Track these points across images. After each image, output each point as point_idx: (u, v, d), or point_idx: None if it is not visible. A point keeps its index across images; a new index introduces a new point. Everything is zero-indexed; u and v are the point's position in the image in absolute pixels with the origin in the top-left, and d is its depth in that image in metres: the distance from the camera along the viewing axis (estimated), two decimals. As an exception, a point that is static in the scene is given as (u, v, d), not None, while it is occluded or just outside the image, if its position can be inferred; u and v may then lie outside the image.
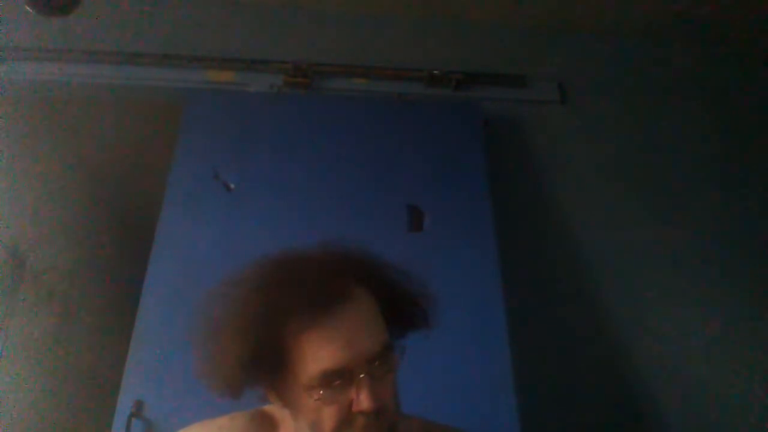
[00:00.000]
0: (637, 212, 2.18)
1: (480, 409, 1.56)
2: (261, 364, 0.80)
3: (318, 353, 0.78)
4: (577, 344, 1.97)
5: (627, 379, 1.97)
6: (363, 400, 0.77)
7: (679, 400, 1.94)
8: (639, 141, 2.31)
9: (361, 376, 0.78)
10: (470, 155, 2.01)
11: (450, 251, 1.81)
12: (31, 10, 1.53)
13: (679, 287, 2.08)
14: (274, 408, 0.92)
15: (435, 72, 2.22)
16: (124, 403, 1.54)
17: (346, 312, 0.80)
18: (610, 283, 2.06)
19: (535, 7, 2.33)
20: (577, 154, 2.25)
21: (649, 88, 2.39)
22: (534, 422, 1.64)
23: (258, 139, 1.98)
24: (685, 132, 2.34)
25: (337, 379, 0.78)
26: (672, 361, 1.99)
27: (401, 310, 0.88)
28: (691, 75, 2.45)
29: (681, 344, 2.01)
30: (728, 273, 2.12)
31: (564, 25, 2.41)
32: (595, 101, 2.34)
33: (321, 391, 0.78)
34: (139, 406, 1.54)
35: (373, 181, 1.93)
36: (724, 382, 1.97)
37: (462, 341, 1.60)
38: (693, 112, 2.38)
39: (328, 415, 0.78)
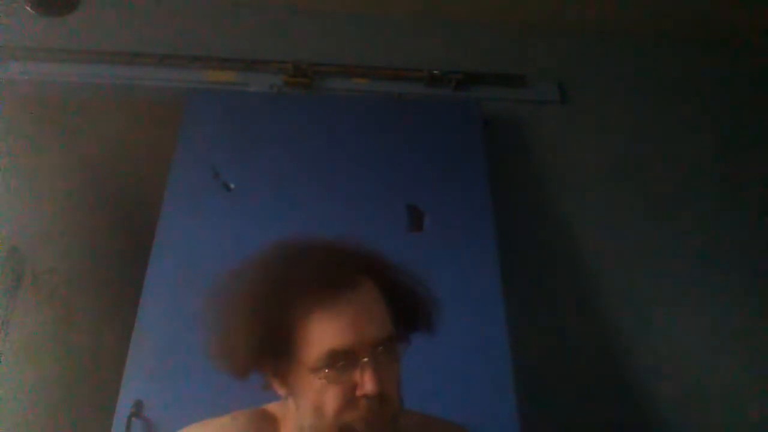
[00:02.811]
0: (637, 212, 2.18)
1: (480, 409, 1.56)
2: (268, 345, 0.82)
3: (324, 334, 0.80)
4: (576, 344, 1.97)
5: (627, 379, 1.97)
6: (367, 383, 0.78)
7: (678, 400, 1.94)
8: (639, 141, 2.31)
9: (365, 359, 0.79)
10: (470, 155, 2.01)
11: (450, 251, 1.81)
12: (31, 10, 1.53)
13: (679, 287, 2.08)
14: (275, 407, 0.93)
15: (435, 72, 2.22)
16: (124, 403, 1.54)
17: (353, 297, 0.82)
18: (610, 283, 2.06)
19: (535, 7, 2.33)
20: (576, 154, 2.25)
21: (649, 88, 2.39)
22: (534, 422, 1.64)
23: (258, 139, 1.98)
24: (685, 132, 2.34)
25: (341, 360, 0.79)
26: (672, 360, 1.99)
27: (405, 309, 0.88)
28: (691, 75, 2.45)
29: (681, 344, 2.01)
30: (728, 273, 2.12)
31: (564, 25, 2.41)
32: (595, 101, 2.34)
33: (326, 371, 0.79)
34: (139, 406, 1.54)
35: (373, 181, 1.93)
36: (723, 382, 1.97)
37: (462, 341, 1.60)
38: (693, 112, 2.38)
39: (332, 397, 0.79)
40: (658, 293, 2.07)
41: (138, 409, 1.53)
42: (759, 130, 2.39)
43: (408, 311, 0.88)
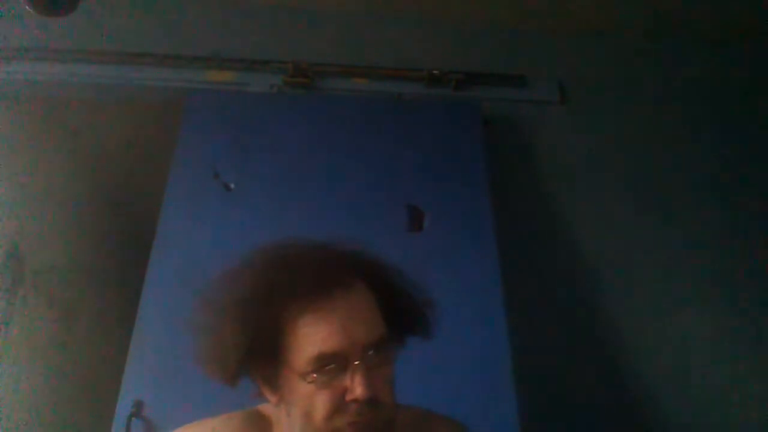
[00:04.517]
0: (636, 213, 2.18)
1: (480, 409, 1.55)
2: (257, 350, 0.80)
3: (313, 337, 0.78)
4: (576, 344, 1.98)
5: (626, 379, 1.97)
6: (356, 387, 0.76)
7: (678, 401, 1.94)
8: (639, 141, 2.31)
9: (356, 363, 0.77)
10: (470, 155, 2.01)
11: (450, 251, 1.81)
12: (31, 10, 1.53)
13: (678, 287, 2.09)
14: (269, 408, 0.92)
15: (435, 72, 2.22)
16: (124, 403, 1.54)
17: (344, 299, 0.80)
18: (610, 283, 2.07)
19: (535, 7, 2.33)
20: (576, 154, 2.25)
21: (649, 89, 2.39)
22: (534, 422, 1.64)
23: (258, 139, 1.98)
24: (685, 132, 2.34)
25: (331, 363, 0.77)
26: (671, 361, 1.99)
27: (402, 313, 0.87)
28: (691, 75, 2.45)
29: (680, 345, 2.02)
30: (728, 274, 2.12)
31: (564, 25, 2.41)
32: (595, 101, 2.34)
33: (315, 375, 0.77)
34: (139, 406, 1.54)
35: (373, 181, 1.94)
36: (723, 382, 1.97)
37: (462, 341, 1.60)
38: (693, 113, 2.38)
39: (321, 402, 0.77)
40: (658, 293, 2.07)
41: (138, 409, 1.53)
42: (759, 129, 2.39)
43: (403, 314, 0.87)
